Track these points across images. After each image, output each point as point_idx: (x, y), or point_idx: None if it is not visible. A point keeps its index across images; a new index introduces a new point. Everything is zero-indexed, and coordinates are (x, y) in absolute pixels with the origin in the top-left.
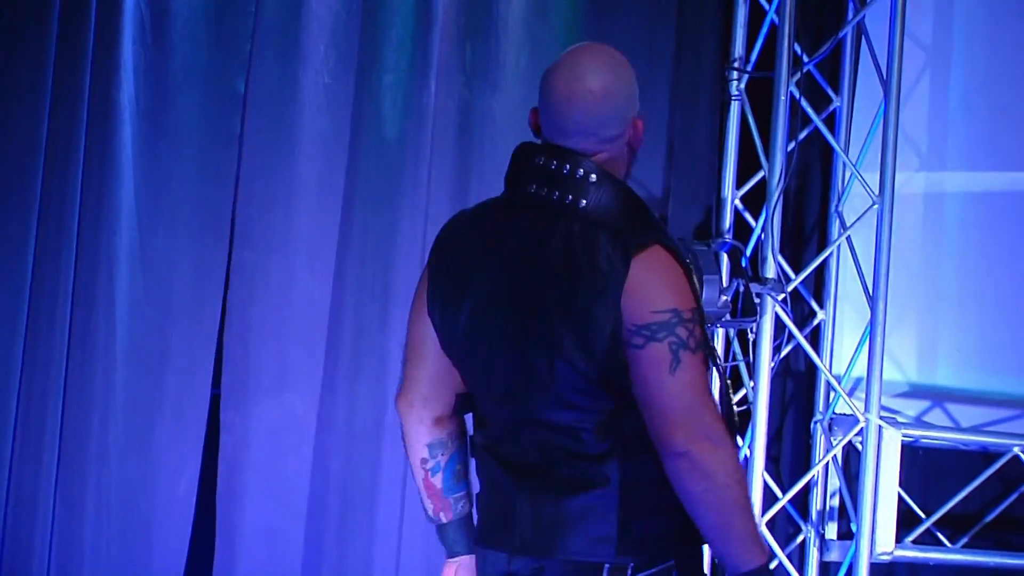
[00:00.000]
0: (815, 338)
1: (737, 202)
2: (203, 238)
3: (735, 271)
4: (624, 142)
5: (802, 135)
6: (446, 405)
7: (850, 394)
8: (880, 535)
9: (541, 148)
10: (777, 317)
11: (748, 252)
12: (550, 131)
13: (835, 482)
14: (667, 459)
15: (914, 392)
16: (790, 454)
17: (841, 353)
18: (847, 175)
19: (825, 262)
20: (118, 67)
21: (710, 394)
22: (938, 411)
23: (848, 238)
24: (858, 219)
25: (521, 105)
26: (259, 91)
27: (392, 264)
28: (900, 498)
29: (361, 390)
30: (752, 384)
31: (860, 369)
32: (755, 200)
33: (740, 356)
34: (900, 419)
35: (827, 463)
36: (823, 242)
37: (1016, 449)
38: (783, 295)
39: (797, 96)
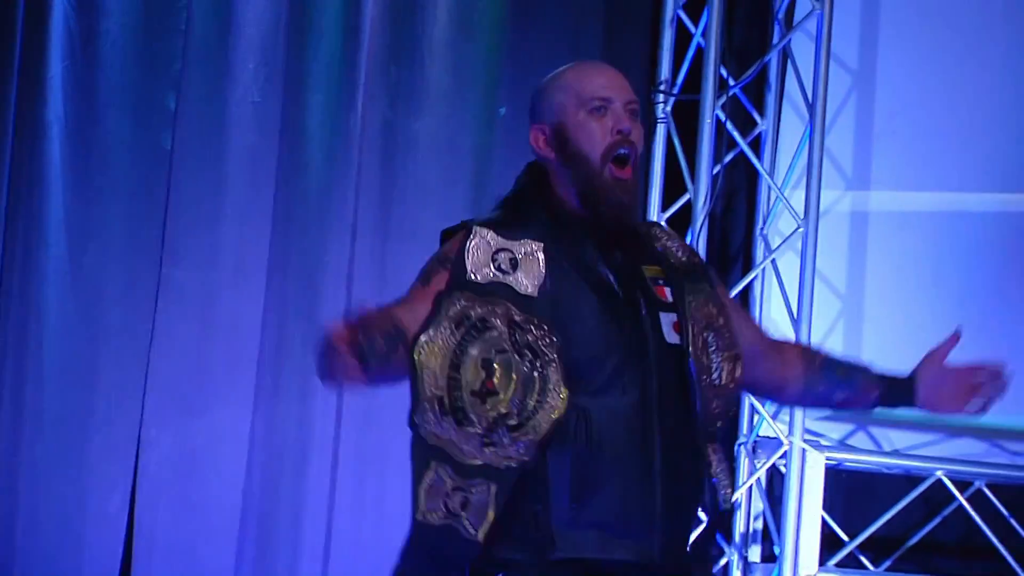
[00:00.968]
0: None
1: (663, 224)
2: (133, 254)
3: None
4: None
5: (728, 158)
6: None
7: (774, 417)
8: (803, 558)
9: None
10: None
11: None
12: None
13: (759, 505)
14: None
15: (838, 415)
16: None
17: None
18: (772, 198)
19: (750, 285)
20: (45, 84)
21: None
22: (862, 434)
23: (773, 261)
24: (783, 242)
25: (444, 125)
26: (189, 108)
27: (319, 282)
28: (824, 521)
29: (286, 408)
30: None
31: None
32: (681, 222)
33: None
34: (824, 442)
35: (751, 486)
36: (748, 265)
37: (939, 473)
38: None
39: (723, 119)
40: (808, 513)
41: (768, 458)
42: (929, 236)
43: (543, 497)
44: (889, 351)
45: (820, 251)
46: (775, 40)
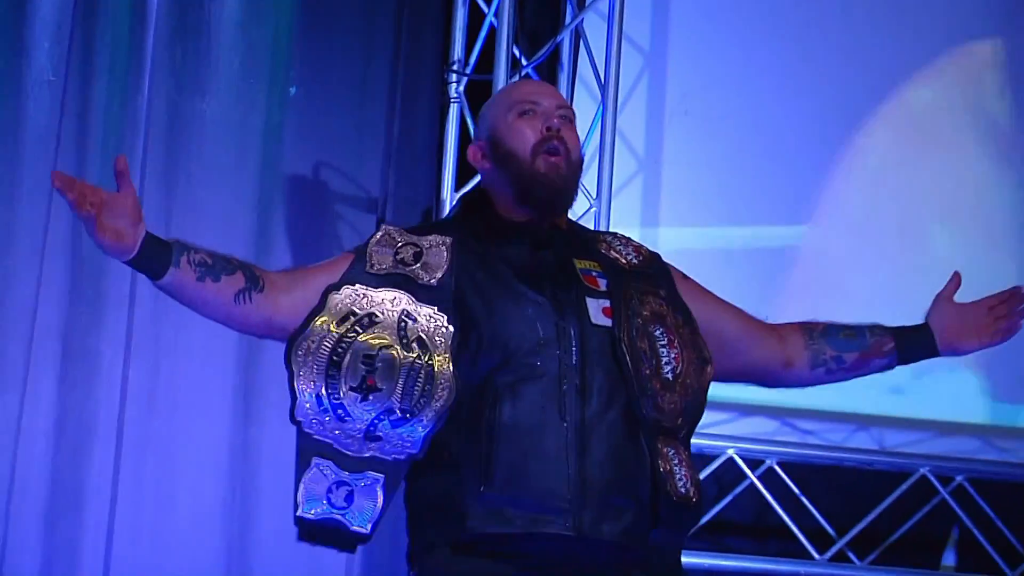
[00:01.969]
0: None
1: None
2: None
3: None
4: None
5: None
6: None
7: None
8: None
9: None
10: None
11: None
12: None
13: None
14: None
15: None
16: None
17: None
18: None
19: None
20: None
21: None
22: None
23: None
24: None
25: (234, 106)
26: None
27: (104, 267)
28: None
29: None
30: None
31: None
32: None
33: None
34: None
35: None
36: None
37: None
38: None
39: None
40: None
41: None
42: (722, 214)
43: (456, 480)
44: None
45: (613, 229)
46: (567, 20)
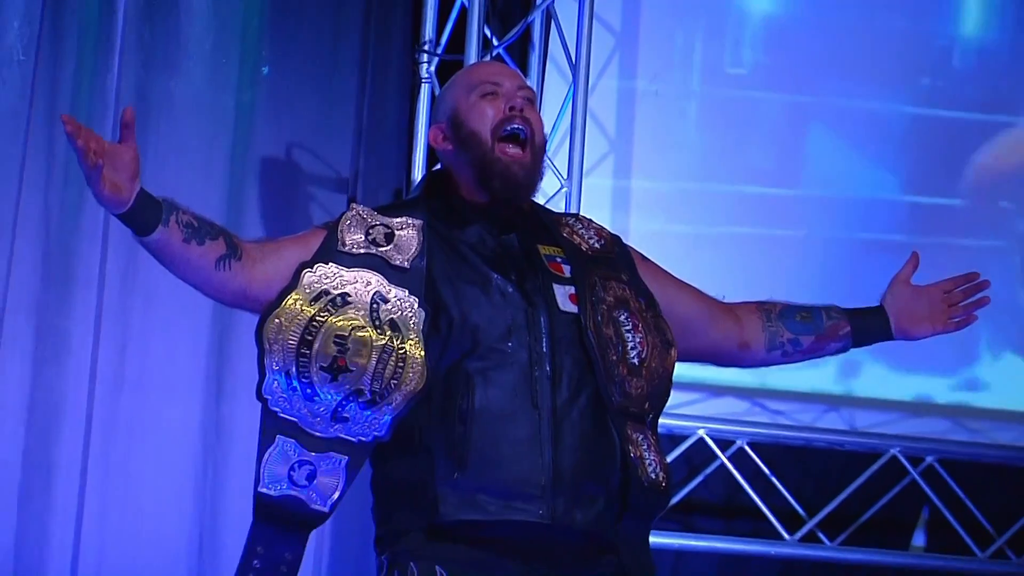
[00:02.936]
0: None
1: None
2: None
3: None
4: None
5: None
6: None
7: None
8: None
9: None
10: None
11: None
12: None
13: None
14: None
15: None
16: None
17: None
18: None
19: None
20: None
21: None
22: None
23: None
24: (547, 202)
25: (203, 88)
26: None
27: (73, 246)
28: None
29: (40, 372)
30: None
31: None
32: None
33: None
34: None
35: None
36: None
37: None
38: None
39: None
40: None
41: None
42: (693, 195)
43: (428, 466)
44: None
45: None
46: (538, 0)
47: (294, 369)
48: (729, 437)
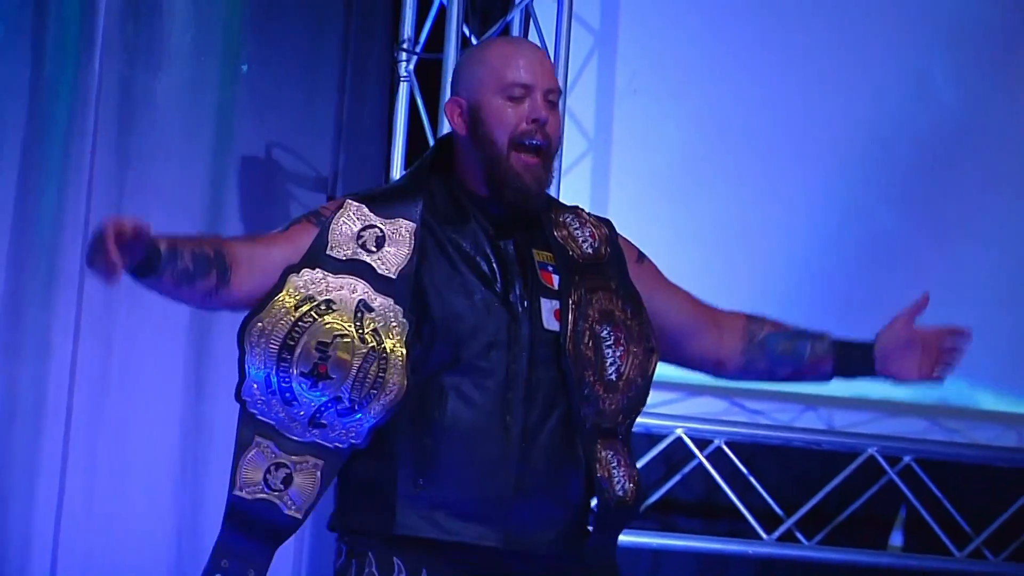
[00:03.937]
0: None
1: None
2: None
3: None
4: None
5: None
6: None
7: None
8: None
9: None
10: None
11: None
12: None
13: None
14: None
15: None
16: None
17: None
18: None
19: None
20: None
21: None
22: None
23: None
24: None
25: (188, 85)
26: None
27: (56, 239)
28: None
29: (20, 370)
30: None
31: None
32: None
33: None
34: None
35: None
36: None
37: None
38: None
39: None
40: None
41: None
42: (672, 194)
43: (391, 472)
44: None
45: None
46: None
47: (274, 373)
48: (707, 436)
